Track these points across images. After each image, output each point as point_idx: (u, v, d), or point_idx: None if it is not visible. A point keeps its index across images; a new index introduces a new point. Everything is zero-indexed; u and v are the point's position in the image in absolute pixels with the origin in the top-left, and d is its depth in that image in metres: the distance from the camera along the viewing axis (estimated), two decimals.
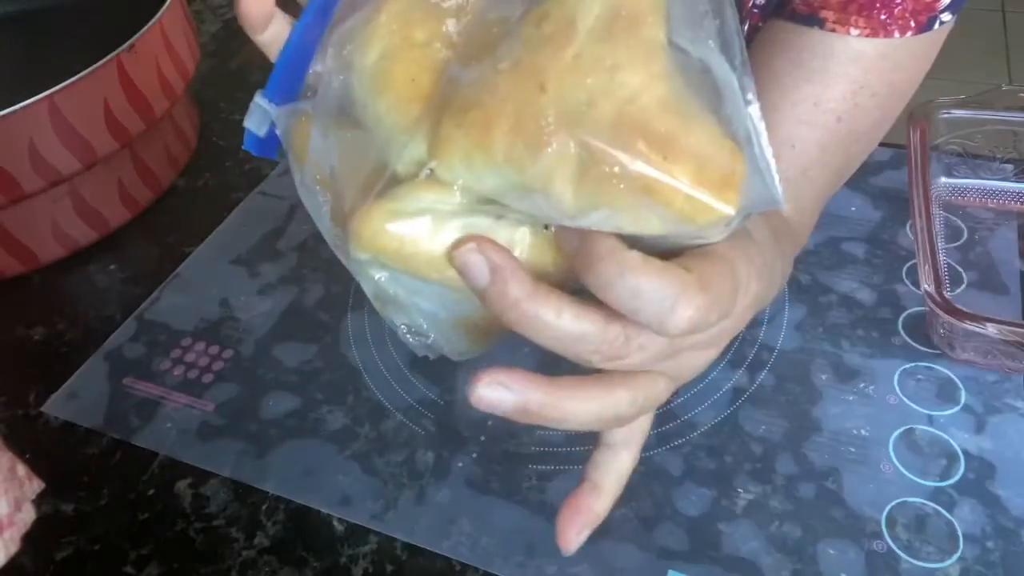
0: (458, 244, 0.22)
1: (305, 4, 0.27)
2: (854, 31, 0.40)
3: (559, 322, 0.22)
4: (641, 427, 0.28)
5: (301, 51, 0.27)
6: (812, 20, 0.40)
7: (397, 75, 0.25)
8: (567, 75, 0.21)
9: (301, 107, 0.27)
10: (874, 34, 0.40)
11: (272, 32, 0.28)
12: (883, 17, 0.39)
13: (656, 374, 0.25)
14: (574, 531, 0.27)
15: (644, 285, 0.21)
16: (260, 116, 0.27)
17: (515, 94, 0.22)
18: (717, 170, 0.22)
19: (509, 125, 0.22)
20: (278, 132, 0.28)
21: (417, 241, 0.24)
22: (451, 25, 0.25)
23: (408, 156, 0.24)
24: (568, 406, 0.24)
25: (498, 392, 0.23)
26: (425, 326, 0.28)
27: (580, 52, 0.22)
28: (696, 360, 0.26)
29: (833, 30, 0.40)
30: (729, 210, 0.22)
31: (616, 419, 0.25)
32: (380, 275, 0.26)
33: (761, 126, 0.22)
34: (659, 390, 0.25)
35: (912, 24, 0.39)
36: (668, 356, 0.24)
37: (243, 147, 0.28)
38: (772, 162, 0.22)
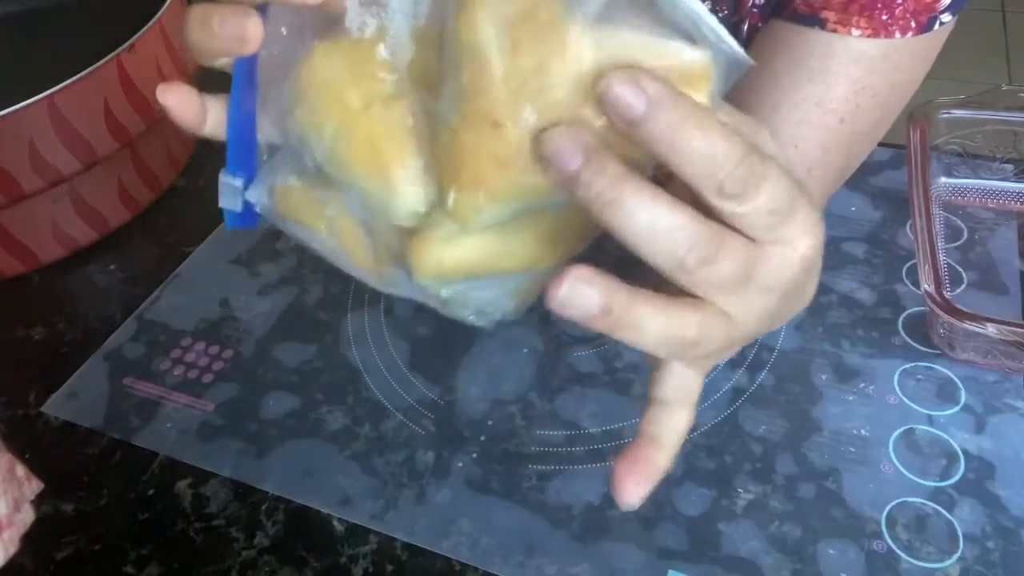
0: (545, 137, 0.22)
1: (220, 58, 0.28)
2: (855, 31, 0.40)
3: (656, 206, 0.22)
4: (694, 386, 0.27)
5: (245, 122, 0.29)
6: (813, 20, 0.40)
7: (357, 152, 0.26)
8: (507, 101, 0.23)
9: (271, 181, 0.29)
10: (875, 34, 0.40)
11: (212, 120, 0.29)
12: (884, 17, 0.39)
13: (722, 311, 0.24)
14: (633, 482, 0.25)
15: (707, 138, 0.21)
16: (232, 193, 0.29)
17: (481, 143, 0.23)
18: (674, 70, 0.22)
19: (494, 169, 0.23)
20: (258, 210, 0.30)
21: (470, 257, 0.26)
22: (382, 51, 0.26)
23: (403, 212, 0.26)
24: (644, 313, 0.23)
25: (583, 290, 0.22)
26: (488, 309, 0.30)
27: (504, 76, 0.22)
28: (762, 302, 0.25)
29: (834, 30, 0.40)
30: (701, 99, 0.23)
31: (683, 342, 0.24)
32: (444, 290, 0.28)
33: (697, 4, 0.22)
34: (723, 327, 0.24)
35: (913, 24, 0.39)
36: (745, 279, 0.24)
37: (226, 228, 0.31)
38: (722, 31, 0.22)
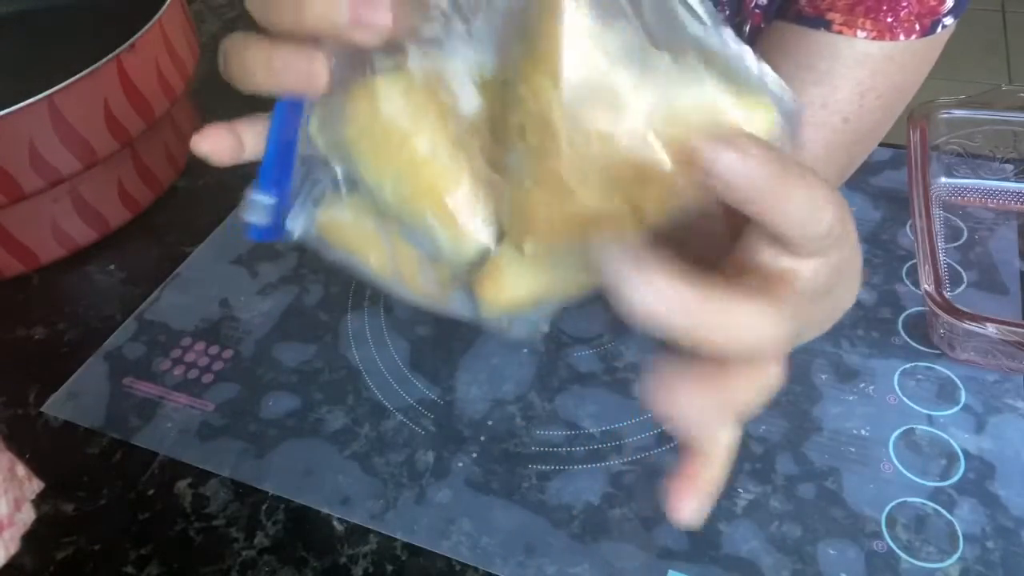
0: (597, 243, 0.23)
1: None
2: (861, 33, 0.40)
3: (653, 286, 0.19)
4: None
5: (285, 150, 0.28)
6: (819, 22, 0.40)
7: (423, 198, 0.26)
8: (576, 164, 0.23)
9: (315, 209, 0.29)
10: (880, 36, 0.40)
11: (250, 148, 0.28)
12: (889, 20, 0.39)
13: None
14: (688, 498, 0.24)
15: (800, 193, 0.20)
16: (260, 210, 0.29)
17: (552, 202, 0.24)
18: (744, 124, 0.22)
19: (566, 227, 0.24)
20: (295, 234, 0.29)
21: (534, 291, 0.28)
22: (445, 97, 0.26)
23: (472, 255, 0.27)
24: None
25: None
26: (540, 323, 0.31)
27: (570, 140, 0.23)
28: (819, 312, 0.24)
29: (840, 32, 0.40)
30: None
31: (774, 341, 0.21)
32: (508, 317, 0.30)
33: (751, 59, 0.22)
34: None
35: (917, 27, 0.40)
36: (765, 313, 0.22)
37: (249, 238, 0.29)
38: (774, 76, 0.22)
